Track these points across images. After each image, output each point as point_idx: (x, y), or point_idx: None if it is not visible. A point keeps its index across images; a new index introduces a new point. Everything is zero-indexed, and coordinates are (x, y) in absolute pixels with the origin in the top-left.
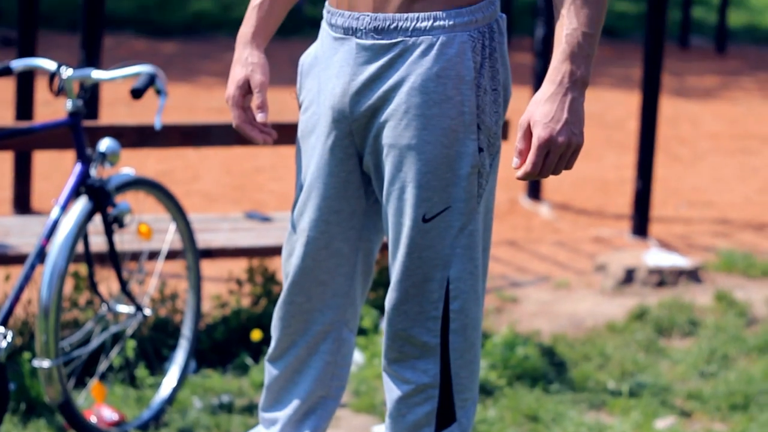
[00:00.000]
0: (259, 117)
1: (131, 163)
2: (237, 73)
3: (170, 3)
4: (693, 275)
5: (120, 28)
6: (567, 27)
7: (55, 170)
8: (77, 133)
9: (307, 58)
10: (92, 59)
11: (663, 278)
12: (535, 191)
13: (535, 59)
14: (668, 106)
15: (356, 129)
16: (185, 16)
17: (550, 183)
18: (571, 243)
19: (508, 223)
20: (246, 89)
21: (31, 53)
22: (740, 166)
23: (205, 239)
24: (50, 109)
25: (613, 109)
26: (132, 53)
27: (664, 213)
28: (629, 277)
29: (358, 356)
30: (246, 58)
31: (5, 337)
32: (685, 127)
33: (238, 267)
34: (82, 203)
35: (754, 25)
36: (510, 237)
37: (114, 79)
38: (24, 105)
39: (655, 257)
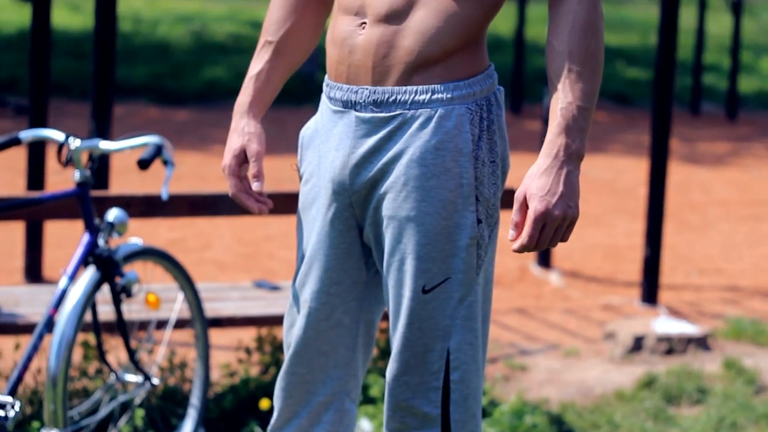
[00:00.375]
0: (255, 186)
1: (142, 232)
2: (234, 142)
3: (183, 71)
4: (702, 343)
5: (133, 96)
6: (562, 101)
7: (68, 238)
8: (85, 204)
9: (307, 131)
10: (103, 129)
11: (671, 346)
12: (545, 259)
13: (545, 127)
14: (679, 173)
15: (356, 201)
16: (198, 84)
17: (560, 250)
18: (580, 310)
19: (518, 291)
20: (242, 158)
21: (43, 122)
22: (750, 233)
23: (214, 308)
24: (62, 177)
25: (625, 175)
26: (145, 121)
27: (675, 280)
28: (638, 344)
29: (366, 425)
30: (243, 128)
31: (14, 407)
32: (695, 194)
33: (247, 336)
34: (90, 273)
35: (765, 92)
36: (519, 305)
37: (121, 149)
38: (35, 174)
39: (664, 325)
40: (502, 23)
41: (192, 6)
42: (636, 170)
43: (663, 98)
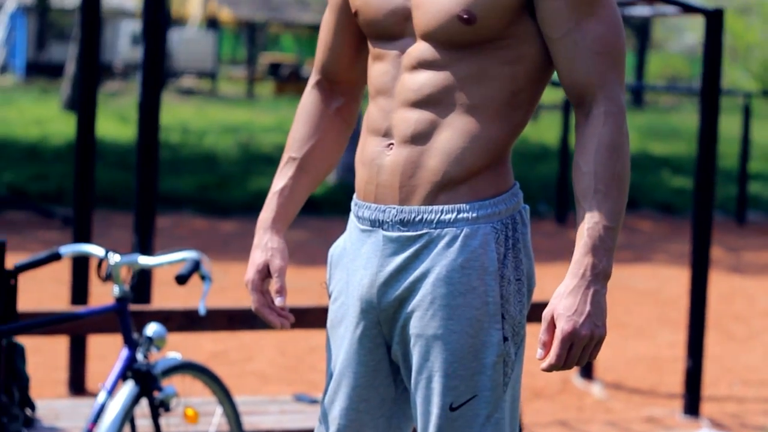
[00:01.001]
0: (278, 301)
1: (185, 343)
2: (257, 257)
3: (230, 182)
4: None
5: (179, 207)
6: (588, 221)
7: (113, 349)
8: (124, 318)
9: (336, 249)
10: (145, 243)
11: None
12: (587, 370)
13: None
14: (724, 283)
15: (384, 319)
16: (244, 195)
17: (602, 362)
18: (622, 423)
19: (560, 403)
20: (265, 273)
21: (87, 234)
22: None
23: (253, 422)
24: (107, 288)
25: (669, 285)
26: (191, 232)
27: (717, 391)
28: None
29: None
30: (266, 243)
31: None
32: (740, 304)
33: None
34: (128, 388)
35: None
36: (561, 417)
37: (160, 265)
38: (79, 287)
39: None
40: (548, 132)
41: (240, 116)
42: (680, 280)
43: (704, 207)
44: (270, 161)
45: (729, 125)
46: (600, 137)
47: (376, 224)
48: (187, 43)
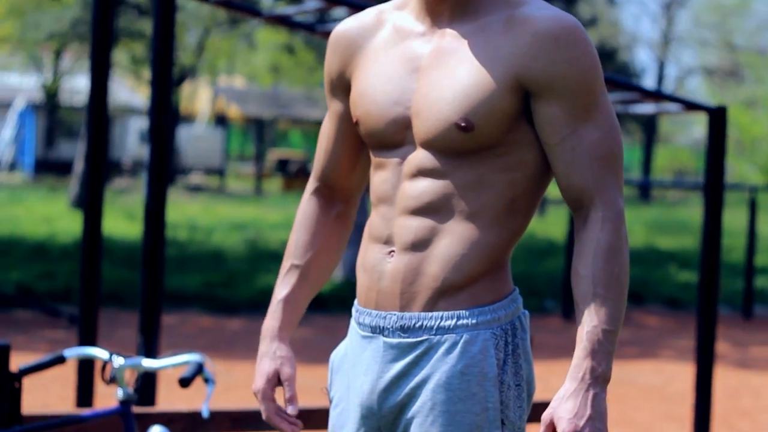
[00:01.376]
0: (290, 410)
1: None
2: (266, 366)
3: (236, 279)
4: None
5: (186, 305)
6: (587, 324)
7: None
8: (128, 421)
9: (337, 355)
10: (150, 344)
11: None
12: None
13: None
14: (730, 378)
15: (384, 425)
16: (251, 292)
17: None
18: None
19: None
20: (275, 382)
21: (93, 334)
22: None
23: None
24: (113, 389)
25: (675, 382)
26: (197, 330)
27: None
28: None
29: None
30: (274, 352)
31: None
32: (746, 400)
33: None
34: None
35: None
36: None
37: (164, 367)
38: (84, 388)
39: None
40: (554, 227)
41: (247, 213)
42: (687, 376)
43: (709, 301)
44: (277, 258)
45: (735, 219)
46: (598, 242)
47: (377, 331)
48: (196, 140)
